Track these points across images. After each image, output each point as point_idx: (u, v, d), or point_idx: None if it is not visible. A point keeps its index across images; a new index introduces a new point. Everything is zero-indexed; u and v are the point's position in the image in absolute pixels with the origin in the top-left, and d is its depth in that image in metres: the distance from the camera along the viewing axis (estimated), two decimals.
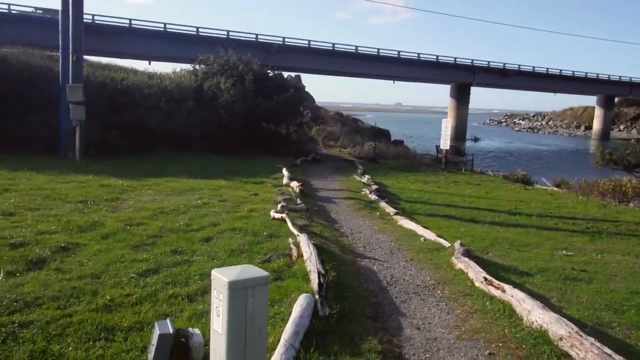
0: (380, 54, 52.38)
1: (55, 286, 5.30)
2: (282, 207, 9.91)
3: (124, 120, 18.79)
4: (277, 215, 9.17)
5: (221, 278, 2.78)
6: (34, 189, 10.30)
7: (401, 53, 54.22)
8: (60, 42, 17.03)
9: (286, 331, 4.39)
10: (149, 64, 43.04)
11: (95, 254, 6.48)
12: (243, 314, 2.80)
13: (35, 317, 4.57)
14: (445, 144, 23.93)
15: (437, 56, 57.01)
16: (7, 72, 17.03)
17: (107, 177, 12.50)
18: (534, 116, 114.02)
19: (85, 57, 19.07)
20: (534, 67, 64.86)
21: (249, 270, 2.90)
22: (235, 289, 2.75)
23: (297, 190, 13.05)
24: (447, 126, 23.90)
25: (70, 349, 4.11)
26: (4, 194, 9.54)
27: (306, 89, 37.54)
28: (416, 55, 55.76)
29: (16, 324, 4.40)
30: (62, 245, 6.66)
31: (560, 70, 67.91)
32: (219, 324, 2.85)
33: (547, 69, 66.53)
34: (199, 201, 10.45)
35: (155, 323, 4.09)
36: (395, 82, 62.03)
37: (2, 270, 5.55)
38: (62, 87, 16.62)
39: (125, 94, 19.55)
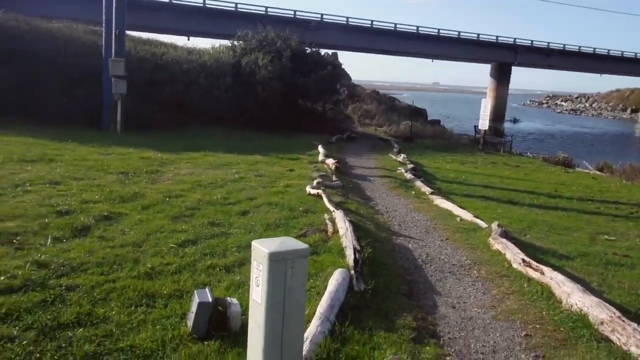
0: (420, 31, 51.34)
1: (99, 253, 5.48)
2: (318, 183, 9.95)
3: (164, 94, 19.05)
4: (313, 191, 9.21)
5: (261, 249, 2.82)
6: (78, 159, 10.61)
7: (441, 31, 53.01)
8: (104, 17, 17.29)
9: (322, 304, 4.45)
10: (188, 39, 43.22)
11: (136, 224, 6.66)
12: (282, 284, 2.83)
13: (81, 282, 4.74)
14: (483, 124, 23.46)
15: (478, 34, 55.50)
16: (54, 45, 17.44)
17: (147, 150, 12.76)
18: (577, 98, 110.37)
19: (127, 32, 19.32)
20: (579, 47, 62.44)
21: (289, 243, 2.94)
22: (275, 260, 2.78)
23: (333, 167, 13.07)
24: (486, 106, 23.39)
25: (113, 312, 4.26)
26: (50, 163, 9.87)
27: (343, 67, 37.18)
28: (456, 33, 54.39)
29: (63, 287, 4.59)
30: (105, 214, 6.86)
31: (608, 50, 65.17)
32: (258, 294, 2.90)
33: (594, 48, 63.97)
34: (235, 175, 10.58)
35: (195, 291, 4.20)
36: (434, 60, 60.85)
37: (50, 236, 5.77)
38: (105, 61, 16.93)
39: (165, 69, 19.79)
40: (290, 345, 2.97)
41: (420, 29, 51.32)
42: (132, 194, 8.14)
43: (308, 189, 9.41)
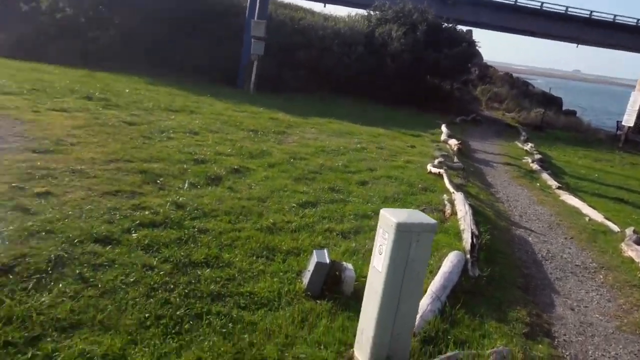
0: (569, 12, 47.41)
1: (228, 202, 5.88)
2: (439, 162, 9.78)
3: (298, 59, 19.55)
4: (434, 170, 9.09)
5: (390, 218, 2.87)
6: (214, 114, 11.35)
7: (593, 13, 48.54)
8: None
9: (434, 283, 4.45)
10: (324, 6, 43.63)
11: (262, 180, 7.03)
12: (405, 256, 2.88)
13: (211, 227, 5.14)
14: (629, 120, 21.36)
15: (638, 20, 50.06)
16: (204, 5, 18.57)
17: (276, 111, 13.29)
18: None
19: None
20: None
21: (417, 215, 2.96)
22: (402, 230, 2.83)
23: (455, 149, 12.75)
24: (635, 100, 21.24)
25: (237, 259, 4.59)
26: (191, 115, 10.67)
27: (477, 45, 35.51)
28: (611, 17, 49.51)
29: (196, 229, 5.01)
30: (235, 167, 7.32)
31: None
32: (379, 261, 2.98)
33: None
34: (357, 145, 10.71)
35: (314, 251, 4.39)
36: (579, 46, 56.04)
37: (187, 181, 6.30)
38: (248, 22, 17.71)
39: (302, 34, 20.23)
40: (404, 316, 3.04)
41: (569, 9, 47.40)
42: (260, 151, 8.57)
43: (429, 167, 9.30)
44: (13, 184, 5.18)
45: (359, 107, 18.14)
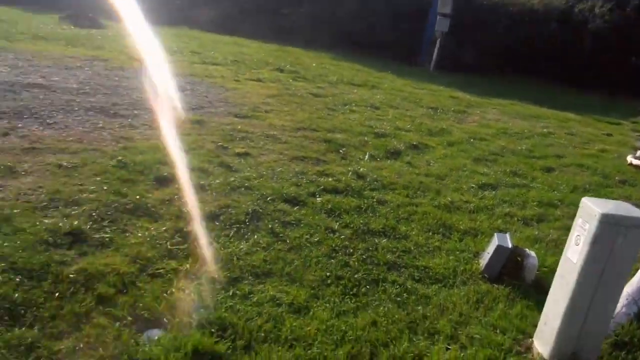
0: None
1: (406, 177, 5.94)
2: None
3: (481, 36, 18.65)
4: (635, 162, 8.13)
5: (593, 208, 2.65)
6: (395, 90, 11.43)
7: None
8: None
9: (631, 284, 4.01)
10: None
11: (440, 158, 6.95)
12: (607, 251, 2.64)
13: (389, 199, 5.25)
14: None
15: None
16: None
17: (455, 90, 12.92)
18: None
19: None
20: None
21: (627, 208, 2.69)
22: (607, 222, 2.59)
23: None
24: None
25: (413, 233, 4.64)
26: (372, 89, 10.91)
27: None
28: None
29: (375, 200, 5.16)
30: (414, 143, 7.33)
31: None
32: (575, 252, 2.78)
33: None
34: (544, 130, 9.99)
35: (495, 234, 4.25)
36: None
37: (367, 153, 6.49)
38: None
39: (489, 10, 19.20)
40: (597, 313, 2.81)
41: None
42: (439, 129, 8.46)
43: (629, 159, 8.34)
44: (219, 144, 5.86)
45: (546, 89, 16.80)
